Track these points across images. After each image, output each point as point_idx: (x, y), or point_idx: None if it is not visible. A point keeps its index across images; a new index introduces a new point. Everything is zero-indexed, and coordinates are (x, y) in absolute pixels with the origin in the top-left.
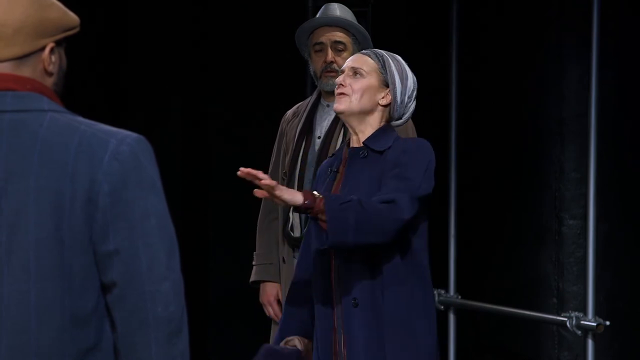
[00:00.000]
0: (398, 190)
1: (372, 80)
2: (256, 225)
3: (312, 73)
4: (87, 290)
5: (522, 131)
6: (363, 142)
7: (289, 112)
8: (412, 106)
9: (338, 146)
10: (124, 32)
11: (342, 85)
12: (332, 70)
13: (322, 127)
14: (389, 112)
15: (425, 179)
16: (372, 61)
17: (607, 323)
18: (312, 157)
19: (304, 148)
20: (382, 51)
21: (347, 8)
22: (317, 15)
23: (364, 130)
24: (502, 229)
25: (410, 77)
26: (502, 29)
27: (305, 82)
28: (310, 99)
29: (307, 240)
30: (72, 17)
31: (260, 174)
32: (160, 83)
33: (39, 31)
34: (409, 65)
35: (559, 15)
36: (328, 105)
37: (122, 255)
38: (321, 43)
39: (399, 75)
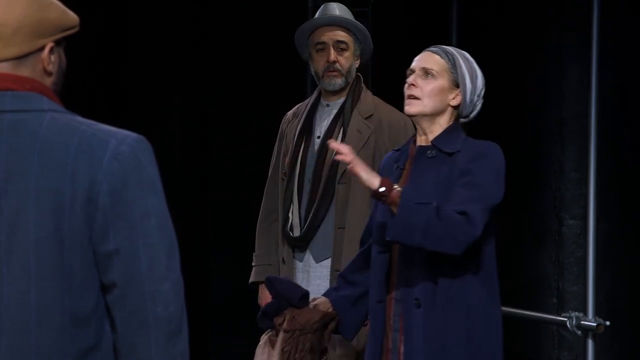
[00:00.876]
0: (471, 200)
1: (443, 81)
2: (256, 225)
3: (313, 73)
4: (87, 291)
5: (522, 131)
6: (431, 142)
7: (289, 113)
8: (479, 104)
9: None
10: (124, 32)
11: (414, 86)
12: (335, 69)
13: (321, 127)
14: (458, 111)
15: (496, 187)
16: (442, 61)
17: (607, 323)
18: (311, 157)
19: (304, 148)
20: (451, 49)
21: (345, 7)
22: (316, 15)
23: (434, 130)
24: (502, 229)
25: (480, 76)
26: (502, 28)
27: (305, 82)
28: (310, 99)
29: (370, 228)
30: (72, 17)
31: (342, 148)
32: (160, 83)
33: (38, 31)
34: (408, 66)
35: (559, 15)
36: (328, 105)
37: (122, 256)
38: (323, 43)
39: (469, 74)
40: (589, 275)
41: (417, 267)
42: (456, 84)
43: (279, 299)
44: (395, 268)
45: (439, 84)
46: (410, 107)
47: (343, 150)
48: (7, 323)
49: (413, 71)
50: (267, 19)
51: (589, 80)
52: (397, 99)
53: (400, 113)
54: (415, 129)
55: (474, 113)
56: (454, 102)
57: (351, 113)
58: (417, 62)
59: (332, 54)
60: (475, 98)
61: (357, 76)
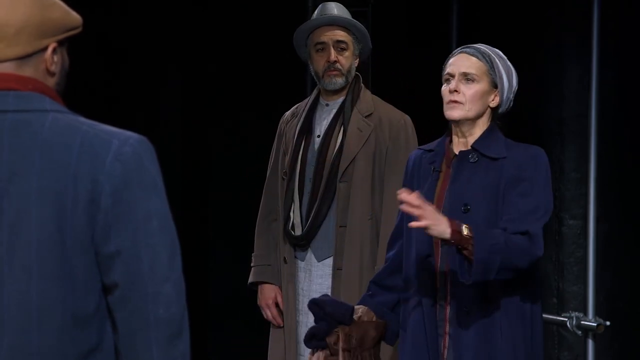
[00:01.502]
0: (530, 215)
1: (483, 84)
2: (256, 225)
3: (312, 73)
4: (89, 291)
5: (522, 131)
6: (472, 146)
7: (288, 113)
8: (512, 101)
9: (338, 145)
10: (124, 31)
11: (456, 91)
12: (335, 69)
13: (321, 126)
14: (496, 111)
15: (550, 199)
16: (480, 63)
17: (608, 323)
18: (311, 156)
19: (304, 147)
20: (486, 49)
21: (343, 6)
22: (314, 15)
23: (474, 132)
24: None
25: (514, 73)
26: (502, 28)
27: (305, 82)
28: (309, 99)
29: (400, 231)
30: (75, 17)
31: (412, 199)
32: (159, 83)
33: (41, 31)
34: (408, 65)
35: (559, 15)
36: (327, 105)
37: (123, 256)
38: (323, 42)
39: (506, 74)
40: (589, 275)
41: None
42: (495, 85)
43: (328, 320)
44: (438, 272)
45: (481, 88)
46: (453, 112)
47: (413, 202)
48: (8, 323)
49: (452, 75)
50: (267, 19)
51: (589, 80)
52: (396, 98)
53: (400, 111)
54: (450, 131)
55: (508, 109)
56: (494, 104)
57: (351, 112)
58: (455, 66)
59: (333, 54)
60: (512, 95)
61: (356, 75)
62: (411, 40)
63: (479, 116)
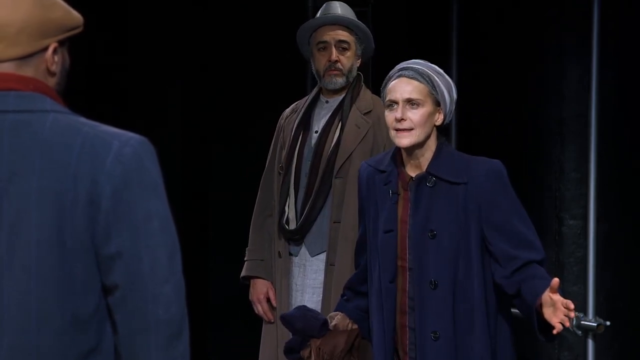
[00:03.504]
0: (527, 239)
1: (428, 107)
2: None
3: (314, 71)
4: (89, 292)
5: (523, 131)
6: (428, 171)
7: (287, 110)
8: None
9: (335, 141)
10: (123, 31)
11: (403, 120)
12: (336, 69)
13: (320, 122)
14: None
15: (522, 211)
16: (423, 86)
17: (608, 323)
18: (308, 151)
19: (301, 142)
20: (425, 69)
21: (348, 6)
22: (319, 14)
23: (425, 154)
24: None
25: (453, 86)
26: (502, 28)
27: (305, 82)
28: (309, 96)
29: (364, 240)
30: (76, 17)
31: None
32: (160, 83)
33: (42, 31)
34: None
35: (559, 15)
36: (327, 102)
37: (124, 257)
38: (325, 42)
39: (447, 90)
40: (589, 276)
41: (432, 297)
42: (438, 103)
43: (300, 334)
44: (404, 296)
45: (426, 111)
46: (403, 140)
47: (570, 306)
48: (8, 323)
49: (396, 102)
50: (267, 19)
51: (589, 80)
52: None
53: None
54: (399, 150)
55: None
56: (439, 122)
57: (350, 109)
58: (397, 92)
59: (334, 54)
60: (453, 107)
61: (357, 75)
62: (411, 41)
63: (427, 137)
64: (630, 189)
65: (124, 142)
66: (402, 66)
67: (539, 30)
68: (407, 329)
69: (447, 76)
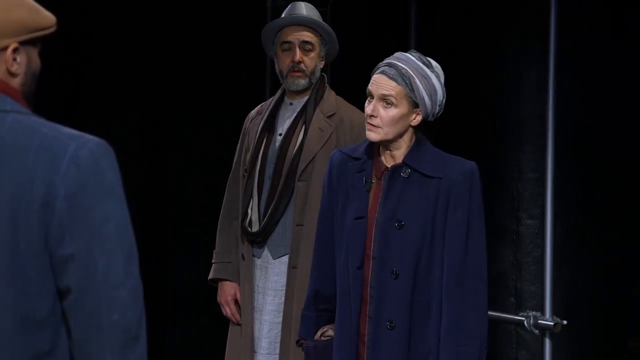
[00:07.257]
0: (475, 266)
1: (402, 108)
2: (216, 226)
3: (277, 72)
4: (43, 295)
5: (481, 132)
6: (404, 161)
7: (253, 112)
8: (440, 112)
9: (298, 144)
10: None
11: (373, 116)
12: (299, 70)
13: (284, 124)
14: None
15: (482, 222)
16: (400, 87)
17: (565, 322)
18: (272, 154)
19: (265, 145)
20: (407, 68)
21: (313, 7)
22: (284, 14)
23: (399, 147)
24: None
25: (440, 90)
26: (461, 29)
27: (264, 84)
28: (274, 98)
29: (327, 222)
30: (45, 18)
31: None
32: (119, 86)
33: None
34: (367, 66)
35: (517, 16)
36: (291, 104)
37: (77, 260)
38: (289, 42)
39: (427, 94)
40: (546, 275)
41: (392, 286)
42: (416, 104)
43: None
44: (366, 284)
45: (399, 112)
46: (371, 134)
47: None
48: None
49: (372, 95)
50: (226, 20)
51: (546, 81)
52: (356, 98)
53: (362, 113)
54: (377, 145)
55: (439, 114)
56: (415, 122)
57: (313, 111)
58: (375, 86)
59: (298, 54)
60: (437, 109)
61: (321, 76)
62: (371, 41)
63: (400, 136)
64: (588, 189)
65: (81, 144)
66: (388, 61)
67: (497, 30)
68: (367, 317)
69: (435, 81)
